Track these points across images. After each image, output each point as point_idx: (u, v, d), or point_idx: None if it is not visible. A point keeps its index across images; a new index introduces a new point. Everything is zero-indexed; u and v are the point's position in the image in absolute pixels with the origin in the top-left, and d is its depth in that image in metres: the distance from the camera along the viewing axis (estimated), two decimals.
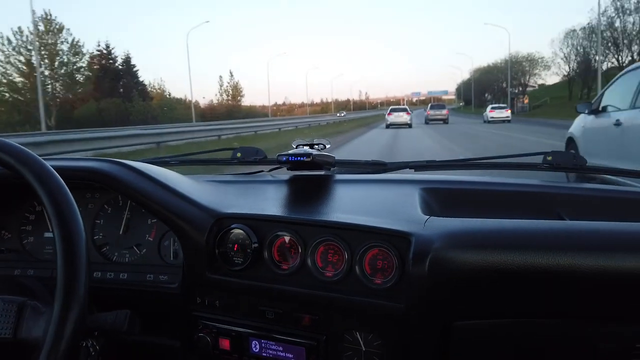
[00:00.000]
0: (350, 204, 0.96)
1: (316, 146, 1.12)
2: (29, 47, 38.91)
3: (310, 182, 1.12)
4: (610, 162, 4.63)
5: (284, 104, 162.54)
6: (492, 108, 32.13)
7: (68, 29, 43.46)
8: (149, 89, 61.96)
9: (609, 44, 38.22)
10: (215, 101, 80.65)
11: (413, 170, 1.20)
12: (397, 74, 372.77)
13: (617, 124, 4.71)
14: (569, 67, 49.02)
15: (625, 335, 0.72)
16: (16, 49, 39.64)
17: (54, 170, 0.66)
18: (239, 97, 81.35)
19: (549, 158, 1.12)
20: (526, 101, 51.78)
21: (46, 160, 0.69)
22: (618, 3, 36.42)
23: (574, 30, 46.20)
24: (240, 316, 0.87)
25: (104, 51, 51.82)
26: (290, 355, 0.84)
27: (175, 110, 55.74)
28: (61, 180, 0.66)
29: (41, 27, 39.62)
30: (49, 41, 40.68)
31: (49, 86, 40.96)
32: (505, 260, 0.69)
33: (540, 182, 1.06)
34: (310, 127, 29.62)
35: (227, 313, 0.88)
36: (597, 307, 0.70)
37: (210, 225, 0.87)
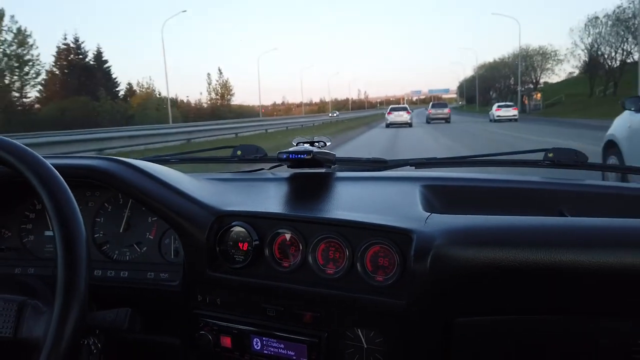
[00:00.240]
0: (351, 202, 0.97)
1: (316, 144, 1.14)
2: None
3: (311, 179, 1.14)
4: None
5: (283, 103, 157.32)
6: (499, 106, 31.65)
7: (12, 16, 37.79)
8: (136, 87, 60.09)
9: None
10: (203, 100, 75.13)
11: (414, 167, 1.22)
12: (397, 72, 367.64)
13: None
14: (589, 59, 43.17)
15: (626, 332, 0.73)
16: None
17: (54, 169, 0.67)
18: (228, 96, 75.50)
19: (550, 155, 1.14)
20: (539, 98, 47.56)
21: (46, 158, 0.69)
22: None
23: (597, 18, 40.25)
24: (241, 314, 0.89)
25: (72, 45, 46.24)
26: (292, 353, 0.85)
27: (162, 109, 52.16)
28: (61, 178, 0.67)
29: None
30: None
31: None
32: (506, 257, 0.70)
33: (541, 179, 1.08)
34: (302, 128, 29.12)
35: (228, 311, 0.90)
36: (598, 303, 0.72)
37: (211, 223, 0.89)
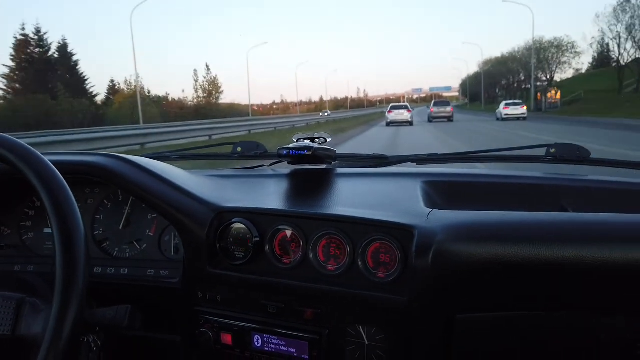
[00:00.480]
0: (352, 198, 0.99)
1: (317, 140, 1.15)
2: None
3: (312, 176, 1.16)
4: None
5: (282, 102, 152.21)
6: (507, 104, 30.80)
7: None
8: (123, 85, 57.69)
9: None
10: (190, 98, 69.76)
11: (415, 163, 1.24)
12: (397, 69, 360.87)
13: None
14: (619, 50, 37.71)
15: (628, 327, 0.75)
16: None
17: (52, 166, 0.68)
18: (217, 94, 69.84)
19: (553, 150, 1.16)
20: (557, 95, 42.54)
21: (45, 155, 0.70)
22: None
23: (628, 1, 34.49)
24: (242, 311, 0.91)
25: (33, 36, 40.48)
26: (293, 350, 0.86)
27: (145, 108, 47.31)
28: (60, 175, 0.68)
29: None
30: None
31: None
32: (509, 253, 0.71)
33: (543, 174, 1.10)
34: (294, 128, 28.11)
35: (229, 308, 0.92)
36: (600, 299, 0.74)
37: (211, 219, 0.91)
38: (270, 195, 1.03)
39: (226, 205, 0.92)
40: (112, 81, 58.48)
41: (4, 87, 39.90)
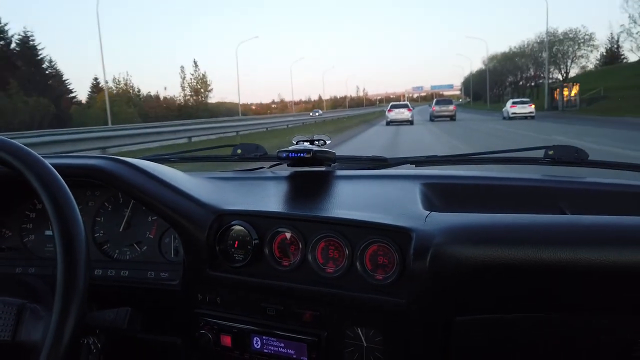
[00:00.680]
0: (351, 200, 1.01)
1: (316, 142, 1.17)
2: None
3: (311, 178, 1.17)
4: None
5: (281, 101, 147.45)
6: (514, 103, 30.14)
7: None
8: (111, 84, 55.07)
9: None
10: (176, 96, 64.99)
11: (414, 165, 1.25)
12: (397, 67, 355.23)
13: None
14: None
15: (627, 329, 0.76)
16: None
17: (53, 169, 0.69)
18: (205, 92, 64.88)
19: (551, 152, 1.17)
20: (575, 91, 38.31)
21: (45, 158, 0.72)
22: None
23: None
24: (241, 313, 0.93)
25: None
26: (292, 352, 0.88)
27: (123, 108, 47.60)
28: (61, 179, 0.69)
29: None
30: None
31: None
32: (507, 255, 0.72)
33: (542, 176, 1.12)
34: (288, 129, 27.38)
35: (228, 310, 0.94)
36: (599, 300, 0.74)
37: (211, 221, 0.93)
38: (269, 197, 1.04)
39: (226, 207, 0.93)
40: (95, 79, 54.46)
41: None
